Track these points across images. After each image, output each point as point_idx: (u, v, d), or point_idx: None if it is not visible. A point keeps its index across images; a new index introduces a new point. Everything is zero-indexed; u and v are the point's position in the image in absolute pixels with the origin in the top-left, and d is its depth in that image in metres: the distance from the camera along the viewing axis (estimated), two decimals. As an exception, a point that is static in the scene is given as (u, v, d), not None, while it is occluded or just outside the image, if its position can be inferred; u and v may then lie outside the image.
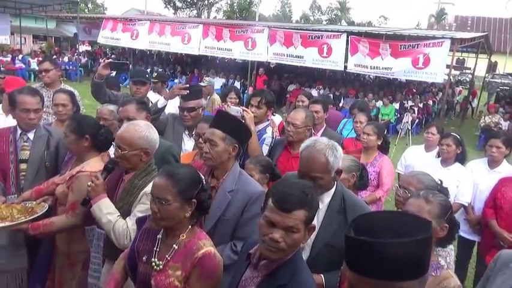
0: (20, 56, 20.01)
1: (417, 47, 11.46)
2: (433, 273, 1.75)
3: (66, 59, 20.88)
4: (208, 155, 2.19)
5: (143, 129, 2.27)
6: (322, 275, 2.00)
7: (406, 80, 15.62)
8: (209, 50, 15.71)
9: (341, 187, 2.18)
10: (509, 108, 13.51)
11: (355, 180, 2.79)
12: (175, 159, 2.90)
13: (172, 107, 3.78)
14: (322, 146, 2.04)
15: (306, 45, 13.25)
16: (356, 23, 44.83)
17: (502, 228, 3.48)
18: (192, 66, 19.06)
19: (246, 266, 1.68)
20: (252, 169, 2.78)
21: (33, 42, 30.05)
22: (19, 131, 2.98)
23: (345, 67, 13.17)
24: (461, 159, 3.77)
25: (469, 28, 33.21)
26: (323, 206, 2.08)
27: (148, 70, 16.22)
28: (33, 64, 18.41)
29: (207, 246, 1.77)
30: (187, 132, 3.46)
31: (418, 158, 4.18)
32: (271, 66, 18.55)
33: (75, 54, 21.42)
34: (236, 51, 14.98)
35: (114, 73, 7.95)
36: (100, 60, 20.46)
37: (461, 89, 20.68)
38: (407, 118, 10.62)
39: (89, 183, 2.27)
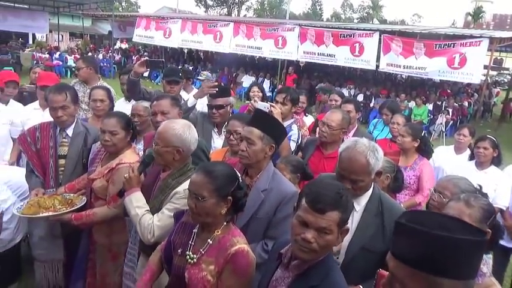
0: (58, 53, 20.73)
1: (453, 46, 11.16)
2: (476, 281, 1.71)
3: (100, 56, 21.53)
4: (244, 153, 2.16)
5: (179, 128, 2.26)
6: (360, 286, 1.93)
7: (440, 80, 15.21)
8: (239, 48, 15.82)
9: (378, 190, 2.13)
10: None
11: (390, 181, 2.74)
12: (204, 154, 2.89)
13: (200, 104, 3.82)
14: (363, 147, 1.99)
15: (337, 44, 13.14)
16: (388, 22, 44.09)
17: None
18: (221, 64, 19.22)
19: (277, 266, 1.67)
20: (283, 169, 2.75)
21: (70, 39, 31.14)
22: (58, 127, 3.03)
23: (377, 66, 12.97)
24: (497, 162, 3.69)
25: (508, 27, 31.87)
26: (359, 208, 2.04)
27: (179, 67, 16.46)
28: (70, 61, 19.13)
29: (241, 244, 1.78)
30: (216, 130, 3.48)
31: (449, 161, 4.08)
32: (301, 64, 18.44)
33: (109, 51, 22.04)
34: (266, 49, 15.01)
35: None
36: (133, 57, 20.99)
37: (498, 90, 19.92)
38: (442, 119, 10.34)
39: (125, 175, 2.32)
